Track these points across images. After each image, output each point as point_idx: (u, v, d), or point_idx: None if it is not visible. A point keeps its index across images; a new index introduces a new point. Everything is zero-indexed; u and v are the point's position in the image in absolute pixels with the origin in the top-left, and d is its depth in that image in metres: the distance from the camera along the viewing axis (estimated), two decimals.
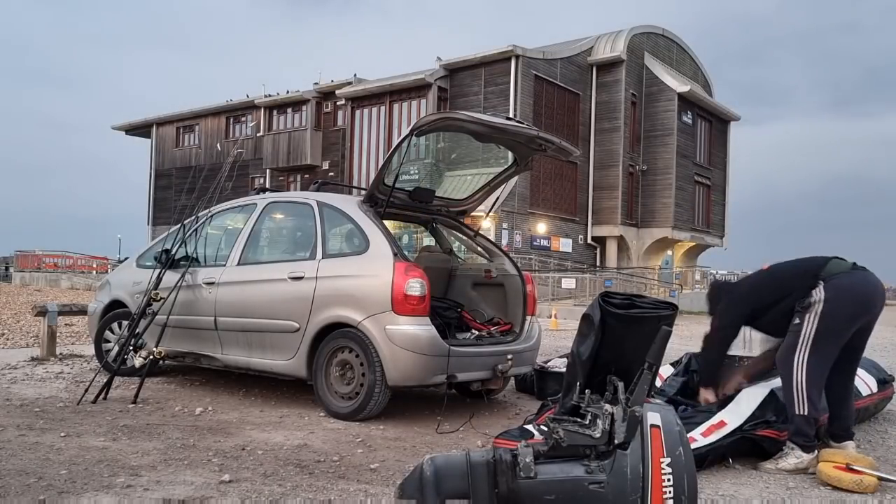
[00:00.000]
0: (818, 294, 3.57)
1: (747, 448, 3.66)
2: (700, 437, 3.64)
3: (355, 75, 26.45)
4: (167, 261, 5.48)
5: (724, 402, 3.94)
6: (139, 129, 34.24)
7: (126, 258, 8.31)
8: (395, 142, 4.74)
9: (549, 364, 5.62)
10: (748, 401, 3.87)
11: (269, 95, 28.59)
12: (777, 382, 4.23)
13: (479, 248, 5.84)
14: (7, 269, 40.45)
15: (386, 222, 5.01)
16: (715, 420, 3.77)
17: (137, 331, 5.20)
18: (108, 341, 6.09)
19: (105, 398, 4.87)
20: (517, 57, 22.18)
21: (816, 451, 3.53)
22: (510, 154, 5.46)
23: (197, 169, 31.02)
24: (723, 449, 3.56)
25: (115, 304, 6.19)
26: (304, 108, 27.44)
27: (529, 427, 3.78)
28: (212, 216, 5.80)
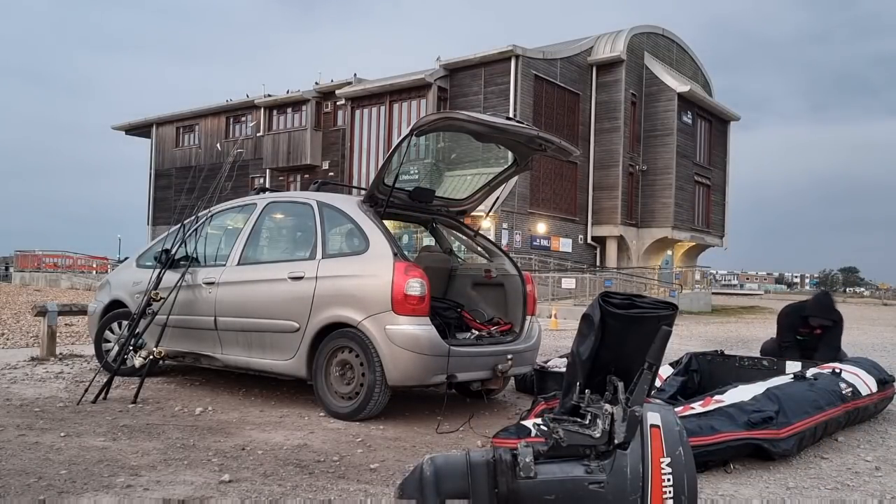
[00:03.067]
0: None
1: (749, 451, 3.66)
2: (699, 408, 3.78)
3: (355, 75, 26.43)
4: (167, 261, 5.48)
5: (721, 392, 4.11)
6: (139, 129, 34.21)
7: (126, 258, 8.31)
8: (395, 142, 4.73)
9: (549, 364, 5.62)
10: (744, 392, 4.02)
11: (269, 95, 28.57)
12: (774, 382, 4.30)
13: (479, 248, 5.84)
14: (7, 268, 40.46)
15: (386, 222, 5.01)
16: (714, 397, 3.95)
17: (137, 331, 5.20)
18: (108, 341, 6.09)
19: (105, 398, 4.87)
20: (517, 57, 22.16)
21: None
22: (510, 154, 5.46)
23: (197, 169, 30.99)
24: (728, 453, 3.57)
25: (115, 304, 6.18)
26: (304, 108, 27.42)
27: (526, 423, 3.80)
28: (212, 216, 5.80)
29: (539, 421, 3.73)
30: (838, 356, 5.56)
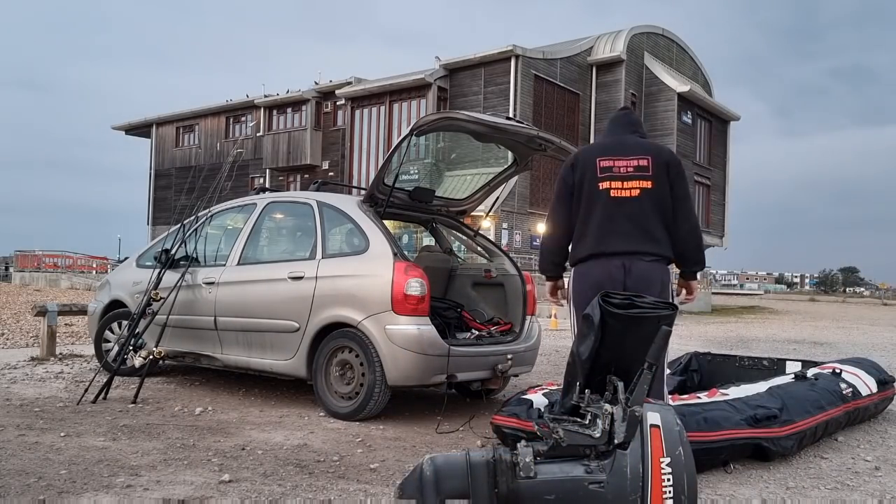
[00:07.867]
0: None
1: (749, 452, 3.66)
2: (704, 398, 3.84)
3: (355, 76, 26.44)
4: (167, 261, 5.48)
5: (724, 388, 4.17)
6: (139, 129, 34.23)
7: (126, 258, 8.31)
8: (395, 142, 4.73)
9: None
10: (746, 391, 4.05)
11: (269, 95, 28.58)
12: (775, 381, 4.32)
13: (479, 248, 5.84)
14: (7, 268, 40.46)
15: (386, 222, 5.01)
16: (719, 390, 4.03)
17: (137, 331, 5.20)
18: (108, 341, 6.09)
19: (105, 398, 4.87)
20: (517, 57, 22.18)
21: None
22: (510, 154, 5.46)
23: (197, 169, 31.01)
24: (730, 451, 3.56)
25: (115, 304, 6.19)
26: (303, 107, 27.44)
27: (527, 396, 3.84)
28: (212, 216, 5.80)
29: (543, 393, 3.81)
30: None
